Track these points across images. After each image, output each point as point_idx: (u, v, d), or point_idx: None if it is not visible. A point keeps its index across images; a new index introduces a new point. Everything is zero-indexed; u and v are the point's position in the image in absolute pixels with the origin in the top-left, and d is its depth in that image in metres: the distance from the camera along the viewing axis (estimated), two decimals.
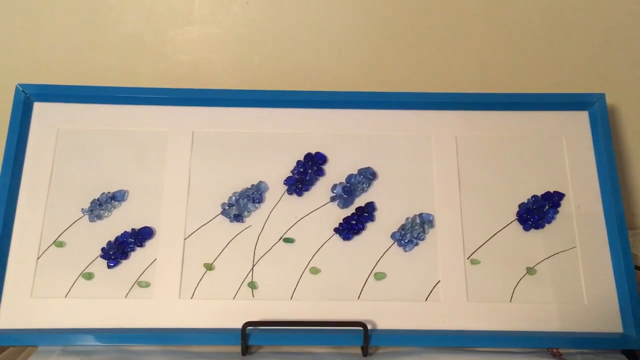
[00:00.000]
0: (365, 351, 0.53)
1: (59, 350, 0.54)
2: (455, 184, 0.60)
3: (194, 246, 0.58)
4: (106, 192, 0.59)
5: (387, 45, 0.71)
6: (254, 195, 0.59)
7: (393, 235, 0.59)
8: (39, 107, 0.61)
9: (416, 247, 0.59)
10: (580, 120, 0.63)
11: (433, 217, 0.59)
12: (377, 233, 0.59)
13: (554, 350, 0.55)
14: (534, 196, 0.60)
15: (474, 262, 0.58)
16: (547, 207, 0.60)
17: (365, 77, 0.71)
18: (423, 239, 0.59)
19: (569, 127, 0.62)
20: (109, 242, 0.58)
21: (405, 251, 0.58)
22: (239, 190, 0.60)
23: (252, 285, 0.57)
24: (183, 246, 0.58)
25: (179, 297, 0.56)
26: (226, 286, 0.57)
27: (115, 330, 0.54)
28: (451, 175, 0.60)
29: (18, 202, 0.58)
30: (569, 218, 0.60)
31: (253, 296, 0.57)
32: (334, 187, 0.60)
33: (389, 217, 0.59)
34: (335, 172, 0.61)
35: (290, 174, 0.61)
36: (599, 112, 0.62)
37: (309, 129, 0.62)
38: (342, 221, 0.59)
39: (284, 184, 0.60)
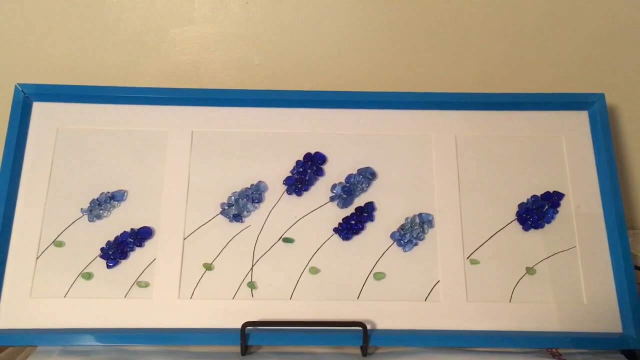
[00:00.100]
0: (364, 351, 0.53)
1: (58, 350, 0.54)
2: (454, 184, 0.60)
3: (193, 246, 0.58)
4: (105, 192, 0.59)
5: (386, 45, 0.71)
6: (253, 195, 0.59)
7: (392, 235, 0.59)
8: (38, 107, 0.61)
9: (416, 247, 0.58)
10: (580, 120, 0.63)
11: (432, 217, 0.59)
12: (376, 233, 0.59)
13: (554, 350, 0.55)
14: (534, 196, 0.60)
15: (474, 262, 0.58)
16: (546, 207, 0.60)
17: (365, 77, 0.71)
18: (422, 239, 0.59)
19: (569, 127, 0.62)
20: (108, 242, 0.58)
21: (404, 251, 0.58)
22: (238, 190, 0.60)
23: (252, 285, 0.57)
24: (182, 246, 0.58)
25: (178, 297, 0.56)
26: (225, 286, 0.57)
27: (115, 330, 0.54)
28: (451, 175, 0.60)
29: (17, 202, 0.58)
30: (568, 218, 0.60)
31: (252, 296, 0.57)
32: (334, 187, 0.60)
33: (389, 217, 0.59)
34: (334, 172, 0.61)
35: (290, 174, 0.61)
36: (598, 112, 0.62)
37: (308, 129, 0.62)
38: (341, 221, 0.59)
39: (284, 183, 0.60)
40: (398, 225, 0.59)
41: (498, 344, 0.55)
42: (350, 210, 0.60)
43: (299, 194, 0.60)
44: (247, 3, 0.70)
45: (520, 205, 0.60)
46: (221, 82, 0.71)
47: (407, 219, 0.59)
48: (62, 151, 0.60)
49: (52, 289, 0.56)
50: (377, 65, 0.71)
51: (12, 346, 0.55)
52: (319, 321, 0.55)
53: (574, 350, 0.55)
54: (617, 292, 0.57)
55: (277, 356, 0.54)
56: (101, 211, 0.59)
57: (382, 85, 0.71)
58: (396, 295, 0.57)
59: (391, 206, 0.60)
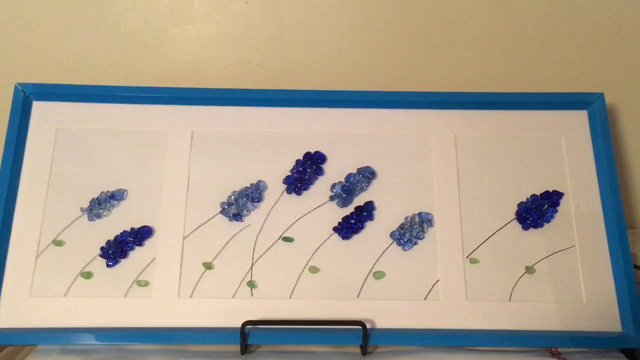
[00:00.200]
0: (364, 350, 0.53)
1: (57, 349, 0.54)
2: (454, 183, 0.60)
3: (193, 245, 0.58)
4: (105, 191, 0.59)
5: (386, 45, 0.71)
6: (253, 194, 0.59)
7: (392, 234, 0.59)
8: (37, 106, 0.61)
9: (415, 246, 0.59)
10: (579, 120, 0.63)
11: (432, 216, 0.59)
12: (376, 232, 0.59)
13: (553, 349, 0.55)
14: (533, 195, 0.60)
15: (473, 261, 0.58)
16: (546, 206, 0.60)
17: (365, 76, 0.71)
18: (422, 238, 0.59)
19: (568, 127, 0.62)
20: (108, 241, 0.58)
21: (404, 250, 0.58)
22: (238, 189, 0.60)
23: (251, 285, 0.57)
24: (182, 245, 0.58)
25: (178, 296, 0.56)
26: (225, 285, 0.57)
27: (114, 329, 0.54)
28: (450, 174, 0.60)
29: (17, 201, 0.58)
30: (568, 217, 0.60)
31: (252, 295, 0.57)
32: (333, 186, 0.60)
33: (388, 216, 0.59)
34: (334, 171, 0.61)
35: (290, 173, 0.61)
36: (598, 111, 0.62)
37: (308, 128, 0.62)
38: (341, 220, 0.59)
39: (283, 183, 0.60)
40: (398, 225, 0.59)
41: (497, 343, 0.55)
42: (349, 209, 0.60)
43: (298, 193, 0.60)
44: (246, 3, 0.70)
45: (520, 205, 0.60)
46: (221, 82, 0.71)
47: (406, 218, 0.59)
48: (62, 150, 0.60)
49: (51, 288, 0.56)
50: (377, 64, 0.71)
51: (12, 345, 0.55)
52: (319, 320, 0.55)
53: (573, 350, 0.55)
54: (617, 291, 0.57)
55: (276, 355, 0.54)
56: (101, 210, 0.59)
57: (381, 84, 0.71)
58: (396, 294, 0.57)
59: (391, 205, 0.60)
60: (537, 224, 0.59)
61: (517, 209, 0.60)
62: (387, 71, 0.71)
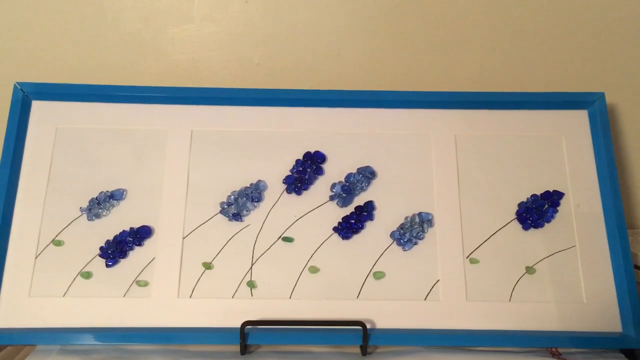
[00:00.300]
0: (364, 350, 0.53)
1: (57, 349, 0.54)
2: (454, 183, 0.60)
3: (192, 245, 0.58)
4: (105, 191, 0.59)
5: (386, 44, 0.71)
6: (252, 194, 0.59)
7: (392, 235, 0.59)
8: (37, 106, 0.61)
9: (415, 246, 0.58)
10: (579, 119, 0.63)
11: (432, 216, 0.59)
12: (376, 232, 0.59)
13: (553, 350, 0.55)
14: (534, 195, 0.60)
15: (473, 261, 0.58)
16: (546, 206, 0.60)
17: (365, 76, 0.71)
18: (422, 238, 0.59)
19: (569, 126, 0.62)
20: (108, 241, 0.58)
21: (404, 250, 0.58)
22: (237, 189, 0.60)
23: (251, 285, 0.57)
24: (182, 245, 0.58)
25: (178, 296, 0.56)
26: (225, 285, 0.57)
27: (114, 330, 0.54)
28: (450, 174, 0.60)
29: (16, 201, 0.58)
30: (568, 217, 0.60)
31: (252, 295, 0.57)
32: (333, 186, 0.60)
33: (388, 216, 0.59)
34: (334, 171, 0.61)
35: (290, 173, 0.60)
36: (598, 111, 0.62)
37: (308, 128, 0.62)
38: (341, 220, 0.59)
39: (283, 182, 0.60)
40: (398, 225, 0.59)
41: (498, 343, 0.55)
42: (349, 209, 0.59)
43: (298, 193, 0.60)
44: (246, 2, 0.70)
45: (520, 205, 0.60)
46: (221, 81, 0.70)
47: (406, 218, 0.59)
48: (61, 150, 0.60)
49: (51, 288, 0.56)
50: (377, 64, 0.71)
51: (11, 345, 0.55)
52: (319, 320, 0.55)
53: (573, 350, 0.55)
54: (617, 292, 0.57)
55: (276, 355, 0.54)
56: (100, 210, 0.59)
57: (381, 84, 0.71)
58: (396, 295, 0.57)
59: (391, 205, 0.60)
60: (537, 224, 0.59)
61: (517, 208, 0.60)
62: (387, 71, 0.71)
